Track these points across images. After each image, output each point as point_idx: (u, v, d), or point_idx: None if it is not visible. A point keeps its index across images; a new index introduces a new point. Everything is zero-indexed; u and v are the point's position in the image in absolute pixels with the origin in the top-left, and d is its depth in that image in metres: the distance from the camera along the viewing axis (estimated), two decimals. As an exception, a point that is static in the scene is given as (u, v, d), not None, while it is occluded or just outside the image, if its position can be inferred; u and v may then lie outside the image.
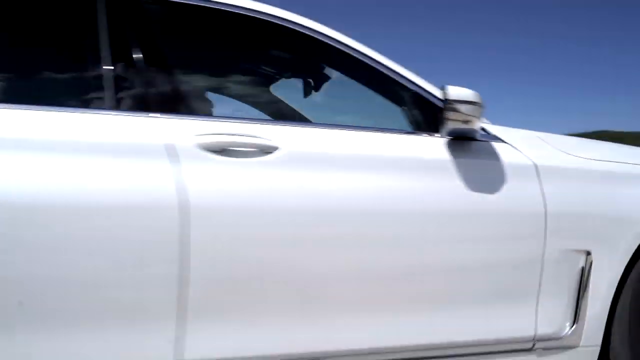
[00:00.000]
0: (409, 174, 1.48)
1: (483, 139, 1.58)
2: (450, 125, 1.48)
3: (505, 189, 1.55)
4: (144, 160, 1.26)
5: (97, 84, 1.36)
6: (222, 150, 1.33)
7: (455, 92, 1.46)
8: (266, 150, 1.35)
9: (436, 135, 1.54)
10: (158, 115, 1.32)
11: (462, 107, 1.45)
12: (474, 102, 1.46)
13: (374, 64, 1.56)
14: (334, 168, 1.41)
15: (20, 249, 1.17)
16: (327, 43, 1.52)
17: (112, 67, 1.35)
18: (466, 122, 1.47)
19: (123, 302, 1.23)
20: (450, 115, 1.46)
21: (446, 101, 1.45)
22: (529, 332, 1.58)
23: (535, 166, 1.60)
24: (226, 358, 1.29)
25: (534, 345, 1.59)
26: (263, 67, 1.85)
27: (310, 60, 1.75)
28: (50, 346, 1.19)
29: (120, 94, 1.36)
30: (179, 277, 1.24)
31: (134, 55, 1.37)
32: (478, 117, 1.48)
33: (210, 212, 1.27)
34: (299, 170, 1.36)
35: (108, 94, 1.35)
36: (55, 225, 1.18)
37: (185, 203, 1.25)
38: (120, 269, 1.22)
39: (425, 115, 1.59)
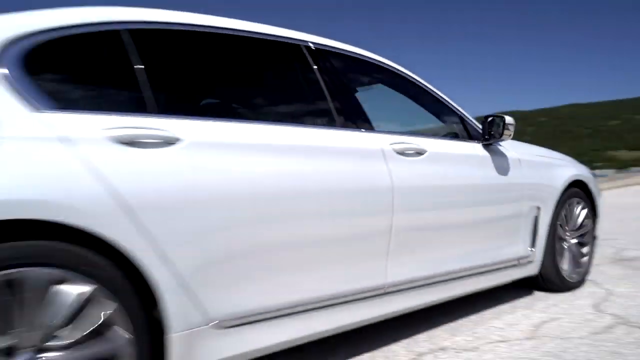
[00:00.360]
0: (460, 163, 2.67)
1: (494, 142, 2.86)
2: (485, 136, 2.84)
3: (506, 170, 2.82)
4: (344, 158, 2.09)
5: (307, 109, 2.25)
6: (416, 152, 2.45)
7: (509, 119, 2.78)
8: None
9: (474, 140, 2.84)
10: (348, 129, 2.21)
11: (499, 130, 2.79)
12: (509, 125, 2.76)
13: (439, 98, 2.84)
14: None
15: (282, 220, 1.82)
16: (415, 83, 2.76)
17: (328, 96, 2.22)
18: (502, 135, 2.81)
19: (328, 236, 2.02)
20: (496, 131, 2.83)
21: (492, 124, 2.81)
22: (517, 254, 2.94)
23: (519, 159, 2.98)
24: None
25: (518, 262, 2.97)
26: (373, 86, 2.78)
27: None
28: (319, 277, 1.97)
29: (320, 113, 2.19)
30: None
31: (325, 88, 2.22)
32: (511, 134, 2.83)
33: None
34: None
35: (315, 114, 2.21)
36: (298, 203, 1.85)
37: (388, 181, 2.20)
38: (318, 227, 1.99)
39: (463, 130, 2.88)
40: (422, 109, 2.81)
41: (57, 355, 1.39)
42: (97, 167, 1.44)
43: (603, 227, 4.10)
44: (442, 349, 2.45)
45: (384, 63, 2.63)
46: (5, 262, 1.28)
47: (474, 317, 2.93)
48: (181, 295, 1.58)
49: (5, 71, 1.46)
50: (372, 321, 2.28)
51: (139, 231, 1.48)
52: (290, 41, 2.21)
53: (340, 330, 2.13)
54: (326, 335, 2.10)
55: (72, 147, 1.43)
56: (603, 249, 5.02)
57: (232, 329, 1.71)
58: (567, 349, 2.41)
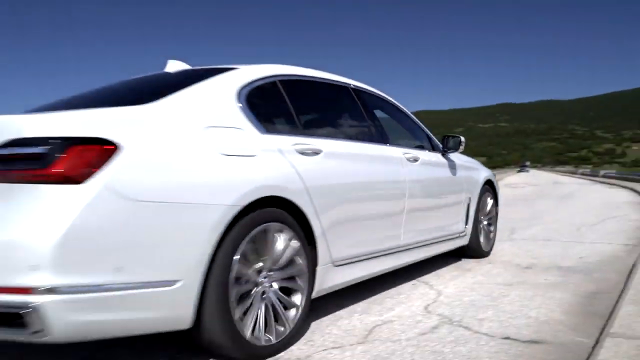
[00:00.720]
0: (431, 165, 3.92)
1: (448, 152, 4.15)
2: (444, 148, 4.15)
3: (455, 171, 4.02)
4: (386, 163, 3.23)
5: (362, 131, 3.34)
6: (415, 159, 3.67)
7: (463, 138, 4.18)
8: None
9: (435, 151, 4.07)
10: (381, 144, 3.34)
11: (456, 145, 4.18)
12: (462, 142, 4.11)
13: (413, 120, 4.10)
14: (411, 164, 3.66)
15: (365, 199, 3.00)
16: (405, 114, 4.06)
17: (366, 123, 3.38)
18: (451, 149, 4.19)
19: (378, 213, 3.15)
20: (448, 144, 4.22)
21: (449, 141, 4.17)
22: (459, 230, 4.23)
23: (460, 164, 4.23)
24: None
25: (459, 235, 4.29)
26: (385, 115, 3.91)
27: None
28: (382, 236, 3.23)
29: (372, 134, 3.34)
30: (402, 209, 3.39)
31: (367, 117, 3.40)
32: (460, 147, 4.20)
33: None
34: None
35: (368, 135, 3.33)
36: (377, 190, 3.06)
37: (404, 178, 3.38)
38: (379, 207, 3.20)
39: (429, 143, 4.10)
40: (402, 128, 4.10)
41: (276, 273, 2.43)
42: (294, 166, 2.49)
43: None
44: None
45: (381, 95, 3.89)
46: (265, 220, 2.27)
47: (313, 325, 2.97)
48: (324, 244, 2.68)
49: (241, 105, 2.43)
50: (393, 269, 3.56)
51: (310, 202, 2.55)
52: (340, 84, 3.46)
53: (381, 273, 3.42)
54: (376, 275, 3.37)
55: (281, 155, 2.46)
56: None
57: (338, 267, 2.86)
58: (395, 351, 2.52)
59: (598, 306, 3.28)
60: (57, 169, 1.66)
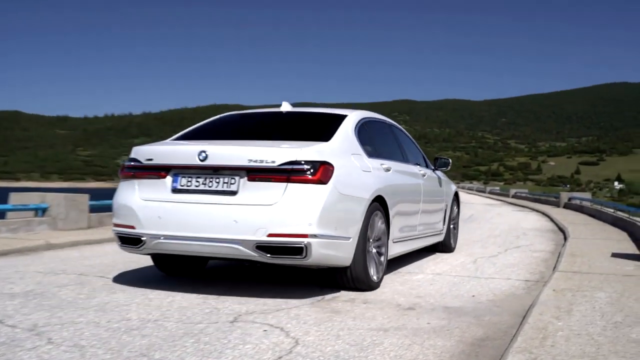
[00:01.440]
0: (420, 177, 7.29)
1: (432, 170, 8.00)
2: (435, 166, 8.22)
3: (440, 184, 8.08)
4: (415, 177, 7.01)
5: (403, 156, 7.12)
6: (423, 175, 7.45)
7: (450, 160, 8.46)
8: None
9: (429, 168, 7.97)
10: (409, 164, 7.17)
11: (443, 165, 8.26)
12: (449, 163, 8.28)
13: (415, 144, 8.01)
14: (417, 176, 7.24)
15: (411, 200, 6.75)
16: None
17: (400, 149, 7.16)
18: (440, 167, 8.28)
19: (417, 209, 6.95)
20: (438, 166, 8.28)
21: (439, 161, 8.27)
22: (440, 228, 8.06)
23: (443, 179, 8.38)
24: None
25: (439, 232, 8.05)
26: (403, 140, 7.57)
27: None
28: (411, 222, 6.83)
29: (404, 156, 7.11)
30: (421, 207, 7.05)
31: (400, 144, 7.27)
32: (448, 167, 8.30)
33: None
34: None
35: (403, 157, 7.03)
36: (411, 195, 6.74)
37: (421, 188, 7.11)
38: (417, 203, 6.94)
39: (424, 162, 8.00)
40: (410, 150, 7.46)
41: (375, 242, 5.62)
42: (383, 177, 5.68)
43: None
44: None
45: (401, 127, 7.48)
46: (376, 208, 5.50)
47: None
48: (394, 227, 5.96)
49: (357, 139, 5.62)
50: (411, 251, 6.92)
51: (388, 200, 5.68)
52: (387, 122, 7.17)
53: (405, 253, 6.67)
54: (404, 253, 6.70)
55: (378, 171, 5.62)
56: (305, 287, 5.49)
57: (394, 244, 5.99)
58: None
59: (482, 357, 3.51)
60: (316, 177, 4.61)
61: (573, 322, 4.15)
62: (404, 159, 6.88)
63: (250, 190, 4.85)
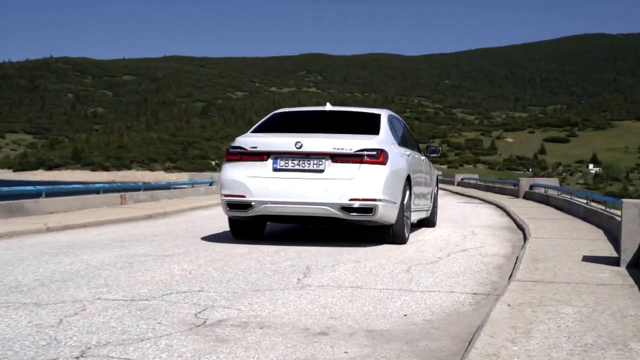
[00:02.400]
0: (422, 162, 13.57)
1: (425, 156, 14.45)
2: (427, 156, 14.75)
3: (431, 168, 14.80)
4: (421, 162, 13.43)
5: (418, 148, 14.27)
6: (424, 160, 14.45)
7: (439, 147, 16.03)
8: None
9: (423, 156, 14.24)
10: (416, 150, 13.70)
11: (433, 152, 14.86)
12: (438, 151, 15.18)
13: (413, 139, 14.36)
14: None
15: (424, 183, 13.51)
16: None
17: (411, 139, 13.89)
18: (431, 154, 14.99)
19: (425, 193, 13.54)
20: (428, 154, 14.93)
21: (429, 149, 14.94)
22: (429, 206, 14.11)
23: (431, 164, 15.01)
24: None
25: (428, 210, 14.02)
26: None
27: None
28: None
29: (413, 144, 13.78)
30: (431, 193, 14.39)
31: (410, 134, 13.88)
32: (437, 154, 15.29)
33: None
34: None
35: (413, 144, 13.71)
36: (422, 179, 13.22)
37: (425, 169, 13.93)
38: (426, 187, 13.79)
39: (418, 150, 14.07)
40: (411, 139, 13.55)
41: (405, 210, 11.36)
42: (409, 161, 11.56)
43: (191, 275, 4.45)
44: None
45: (401, 119, 13.41)
46: (408, 183, 11.49)
47: None
48: (412, 200, 11.77)
49: (390, 131, 11.63)
50: (418, 220, 13.09)
51: (412, 177, 11.61)
52: (400, 118, 13.45)
53: (415, 221, 12.39)
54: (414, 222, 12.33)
55: (406, 156, 11.48)
56: (180, 308, 5.48)
57: (412, 212, 11.80)
58: None
59: (416, 394, 3.60)
60: (379, 160, 10.09)
61: (532, 345, 4.30)
62: (412, 147, 12.74)
63: (333, 169, 9.90)
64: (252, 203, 10.04)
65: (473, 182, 40.76)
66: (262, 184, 10.10)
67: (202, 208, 18.29)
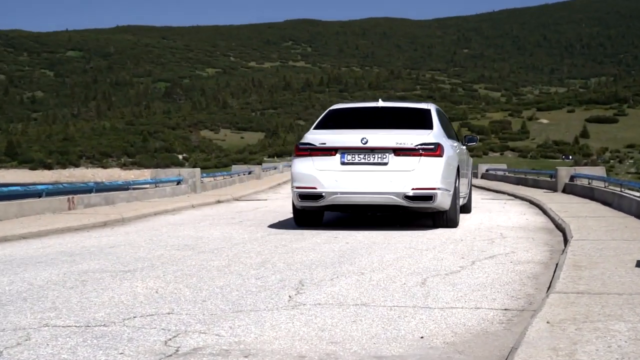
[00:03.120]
0: (463, 151, 18.73)
1: (463, 145, 19.10)
2: (465, 145, 19.59)
3: (468, 156, 20.14)
4: (463, 152, 18.72)
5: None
6: (465, 148, 20.55)
7: (477, 137, 20.83)
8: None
9: (457, 144, 17.86)
10: (459, 142, 18.77)
11: (471, 141, 19.68)
12: (476, 140, 20.00)
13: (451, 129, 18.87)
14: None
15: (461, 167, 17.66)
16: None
17: (453, 131, 19.20)
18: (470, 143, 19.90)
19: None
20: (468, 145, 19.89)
21: (467, 138, 19.78)
22: (467, 192, 18.90)
23: (467, 150, 20.29)
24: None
25: (465, 195, 18.60)
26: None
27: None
28: None
29: (457, 137, 19.15)
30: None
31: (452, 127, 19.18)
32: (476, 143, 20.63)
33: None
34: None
35: (456, 136, 18.76)
36: (464, 168, 18.51)
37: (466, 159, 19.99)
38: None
39: (457, 139, 18.58)
40: (452, 129, 18.30)
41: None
42: (457, 152, 16.34)
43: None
44: None
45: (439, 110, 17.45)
46: (458, 171, 16.26)
47: None
48: (459, 188, 16.39)
49: (439, 123, 16.05)
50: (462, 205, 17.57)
51: (460, 167, 16.41)
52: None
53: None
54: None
55: (455, 148, 16.28)
56: (146, 335, 5.50)
57: (460, 198, 16.55)
58: None
59: None
60: (437, 153, 14.21)
61: (578, 371, 4.32)
62: (454, 138, 16.67)
63: (396, 162, 13.59)
64: (323, 194, 13.86)
65: (500, 173, 40.83)
66: (332, 177, 13.88)
67: (169, 212, 18.33)
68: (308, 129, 15.58)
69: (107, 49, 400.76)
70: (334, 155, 13.89)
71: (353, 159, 13.79)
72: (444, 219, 14.51)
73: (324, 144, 14.12)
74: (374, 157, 13.75)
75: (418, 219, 16.12)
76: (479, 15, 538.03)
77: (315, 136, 14.51)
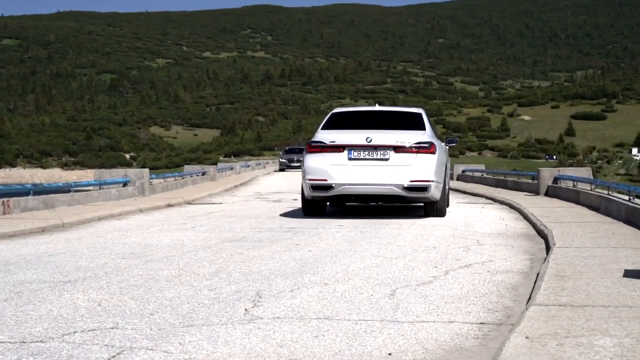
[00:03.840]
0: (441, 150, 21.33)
1: (445, 145, 23.32)
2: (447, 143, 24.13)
3: (447, 154, 23.58)
4: (446, 152, 23.81)
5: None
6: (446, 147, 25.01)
7: (452, 138, 24.77)
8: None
9: (443, 143, 22.78)
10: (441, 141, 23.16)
11: (451, 142, 24.24)
12: (456, 141, 25.10)
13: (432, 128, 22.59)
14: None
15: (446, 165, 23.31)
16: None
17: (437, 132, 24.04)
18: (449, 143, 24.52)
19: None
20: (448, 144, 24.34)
21: (448, 139, 24.36)
22: (447, 189, 22.63)
23: (446, 148, 23.71)
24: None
25: (444, 188, 21.21)
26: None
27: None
28: None
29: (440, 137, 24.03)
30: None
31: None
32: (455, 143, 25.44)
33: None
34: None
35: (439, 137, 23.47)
36: (446, 160, 23.15)
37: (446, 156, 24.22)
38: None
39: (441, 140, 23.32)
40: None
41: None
42: (445, 151, 22.16)
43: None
44: None
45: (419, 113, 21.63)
46: (446, 166, 22.60)
47: None
48: (446, 182, 21.87)
49: (429, 125, 21.13)
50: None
51: (447, 163, 22.90)
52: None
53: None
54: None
55: (443, 147, 21.44)
56: (87, 352, 5.48)
57: (444, 190, 20.89)
58: None
59: None
60: (431, 150, 18.68)
61: (559, 390, 4.35)
62: (440, 138, 20.78)
63: (396, 158, 17.77)
64: (333, 185, 17.72)
65: (478, 175, 40.87)
66: (341, 170, 17.73)
67: (114, 217, 18.28)
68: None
69: (47, 37, 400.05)
70: (342, 151, 17.95)
71: (359, 155, 17.86)
72: (435, 209, 18.72)
73: (334, 141, 18.16)
74: (377, 154, 17.87)
75: (397, 214, 19.49)
76: (455, 1, 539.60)
77: (324, 135, 18.67)
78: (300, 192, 20.72)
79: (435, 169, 18.19)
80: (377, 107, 21.02)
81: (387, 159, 17.76)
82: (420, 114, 20.33)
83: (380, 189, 17.95)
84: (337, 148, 18.16)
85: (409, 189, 17.70)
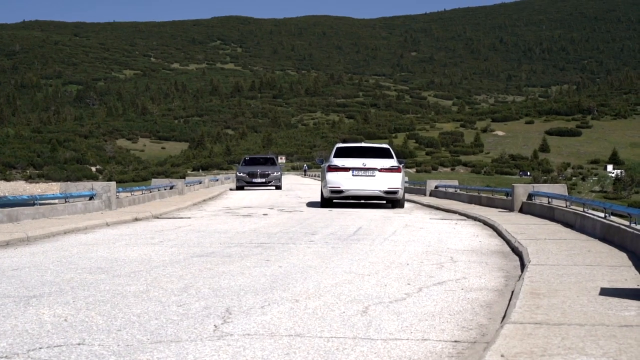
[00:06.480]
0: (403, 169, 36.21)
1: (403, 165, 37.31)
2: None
3: (404, 169, 37.15)
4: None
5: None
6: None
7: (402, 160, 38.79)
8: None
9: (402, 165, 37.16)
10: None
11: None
12: (404, 163, 37.59)
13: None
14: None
15: None
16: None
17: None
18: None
19: None
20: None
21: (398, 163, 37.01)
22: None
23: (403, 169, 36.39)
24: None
25: (401, 196, 36.37)
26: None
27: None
28: None
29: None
30: None
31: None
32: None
33: None
34: None
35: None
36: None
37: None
38: None
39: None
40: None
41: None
42: (403, 170, 36.16)
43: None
44: None
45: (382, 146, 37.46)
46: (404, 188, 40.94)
47: None
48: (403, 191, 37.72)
49: (393, 153, 37.56)
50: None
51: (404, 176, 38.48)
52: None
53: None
54: None
55: (402, 167, 35.87)
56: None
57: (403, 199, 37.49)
58: None
59: None
60: (399, 170, 33.63)
61: (534, 409, 4.36)
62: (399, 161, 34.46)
63: (379, 175, 32.10)
64: (343, 190, 30.94)
65: (451, 190, 40.98)
66: (348, 181, 30.91)
67: (80, 231, 18.20)
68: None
69: (12, 47, 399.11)
70: (348, 171, 31.11)
71: (358, 173, 31.15)
72: (399, 204, 32.32)
73: (344, 165, 31.24)
74: (368, 172, 31.12)
75: (379, 207, 27.86)
76: (429, 14, 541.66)
77: (339, 161, 31.58)
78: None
79: (401, 181, 31.52)
80: (364, 144, 36.04)
81: (374, 176, 31.07)
82: (389, 148, 34.06)
83: (370, 193, 31.31)
84: (345, 169, 31.11)
85: (386, 192, 31.14)
